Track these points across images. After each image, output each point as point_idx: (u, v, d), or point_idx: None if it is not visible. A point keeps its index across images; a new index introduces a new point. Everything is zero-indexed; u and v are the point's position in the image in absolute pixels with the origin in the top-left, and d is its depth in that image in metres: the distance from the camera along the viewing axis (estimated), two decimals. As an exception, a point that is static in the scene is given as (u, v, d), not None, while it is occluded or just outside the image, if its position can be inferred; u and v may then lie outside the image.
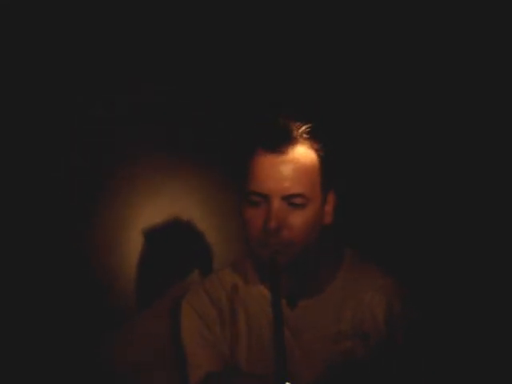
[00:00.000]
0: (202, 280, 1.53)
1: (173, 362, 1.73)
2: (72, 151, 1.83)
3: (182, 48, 1.89)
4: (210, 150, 1.89)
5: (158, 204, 1.89)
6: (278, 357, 1.20)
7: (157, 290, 1.87)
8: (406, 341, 1.37)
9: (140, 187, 1.89)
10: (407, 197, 1.91)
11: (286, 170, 1.26)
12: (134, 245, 1.88)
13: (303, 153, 1.29)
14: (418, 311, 1.40)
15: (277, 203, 1.26)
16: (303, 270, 1.36)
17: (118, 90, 1.84)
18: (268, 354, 1.35)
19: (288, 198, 1.26)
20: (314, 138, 1.31)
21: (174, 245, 1.91)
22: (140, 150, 1.87)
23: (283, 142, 1.27)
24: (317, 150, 1.31)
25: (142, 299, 1.85)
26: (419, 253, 1.86)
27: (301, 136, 1.29)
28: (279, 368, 1.19)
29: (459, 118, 1.90)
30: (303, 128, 1.31)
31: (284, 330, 1.24)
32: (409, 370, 1.37)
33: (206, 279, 1.50)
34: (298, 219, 1.27)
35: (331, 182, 1.34)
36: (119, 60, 1.85)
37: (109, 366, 1.81)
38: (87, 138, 1.84)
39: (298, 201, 1.27)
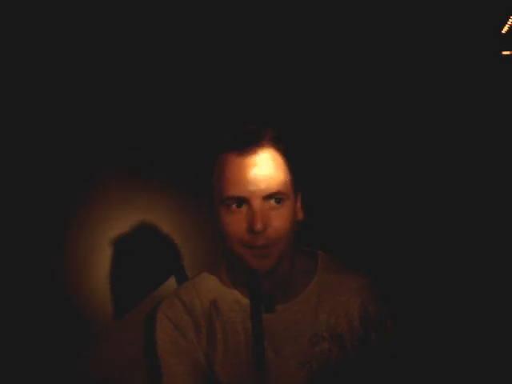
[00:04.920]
0: (177, 288, 1.50)
1: (146, 374, 1.69)
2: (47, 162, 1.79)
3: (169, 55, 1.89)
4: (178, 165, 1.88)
5: (129, 214, 1.86)
6: (258, 367, 1.25)
7: (132, 301, 1.83)
8: (381, 341, 1.41)
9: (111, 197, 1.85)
10: (379, 198, 1.95)
11: (260, 171, 1.29)
12: (105, 256, 1.85)
13: (271, 153, 1.32)
14: (393, 311, 1.45)
15: (258, 204, 1.28)
16: (281, 273, 1.38)
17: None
18: (244, 360, 1.37)
19: (267, 198, 1.29)
20: (278, 139, 1.35)
21: (146, 254, 1.88)
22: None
23: (253, 143, 1.30)
24: (282, 150, 1.35)
25: (117, 311, 1.81)
26: (393, 253, 1.88)
27: (267, 138, 1.33)
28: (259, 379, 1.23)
29: (433, 118, 1.97)
30: (268, 130, 1.35)
31: (264, 340, 1.28)
32: (384, 368, 1.41)
33: (181, 287, 1.49)
34: (279, 218, 1.30)
35: (298, 180, 1.38)
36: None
37: (82, 377, 1.76)
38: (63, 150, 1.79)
39: (276, 200, 1.30)
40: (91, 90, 1.84)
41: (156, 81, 1.91)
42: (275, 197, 1.29)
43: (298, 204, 1.39)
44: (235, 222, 1.29)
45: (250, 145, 1.29)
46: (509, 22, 1.84)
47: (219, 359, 1.40)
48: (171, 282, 1.87)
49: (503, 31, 1.84)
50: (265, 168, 1.28)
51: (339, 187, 1.95)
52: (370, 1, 1.92)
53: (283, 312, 1.40)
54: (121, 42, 1.85)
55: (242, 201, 1.28)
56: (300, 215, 1.40)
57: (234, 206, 1.29)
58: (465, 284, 1.87)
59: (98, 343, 1.80)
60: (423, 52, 1.94)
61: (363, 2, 1.93)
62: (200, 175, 1.40)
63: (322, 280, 1.44)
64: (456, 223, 1.92)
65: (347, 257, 1.54)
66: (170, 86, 1.92)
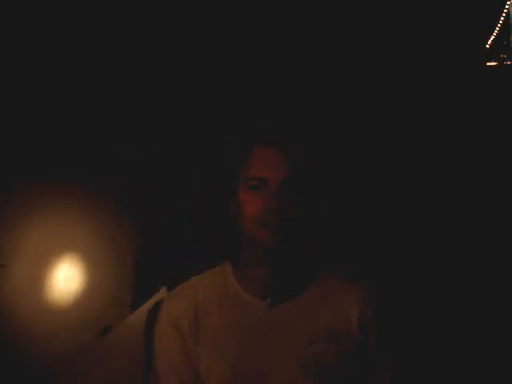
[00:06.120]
0: (183, 284, 1.50)
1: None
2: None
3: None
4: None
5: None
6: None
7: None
8: (378, 345, 1.42)
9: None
10: (377, 202, 1.97)
11: (283, 158, 1.40)
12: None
13: (294, 149, 1.43)
14: (391, 317, 1.47)
15: (277, 186, 1.38)
16: (284, 270, 1.41)
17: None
18: (237, 357, 1.38)
19: (284, 183, 1.38)
20: (297, 139, 1.46)
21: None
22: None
23: (279, 136, 1.43)
24: (296, 152, 1.44)
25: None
26: (391, 259, 1.90)
27: (286, 137, 1.45)
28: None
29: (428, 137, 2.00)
30: (289, 130, 1.47)
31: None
32: (380, 373, 1.42)
33: (186, 283, 1.51)
34: (292, 203, 1.37)
35: (310, 184, 1.46)
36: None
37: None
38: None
39: (292, 185, 1.38)
40: (91, 90, 1.83)
41: (156, 81, 1.90)
42: (291, 182, 1.38)
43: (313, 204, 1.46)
44: (253, 200, 1.37)
45: (276, 137, 1.43)
46: (493, 35, 1.92)
47: (213, 355, 1.40)
48: (163, 291, 1.83)
49: (488, 43, 1.93)
50: (284, 157, 1.39)
51: (339, 191, 1.97)
52: (364, 15, 1.98)
53: (283, 310, 1.41)
54: (121, 43, 1.85)
55: (263, 181, 1.37)
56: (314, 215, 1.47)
57: (254, 185, 1.38)
58: (460, 289, 1.90)
59: (80, 364, 1.74)
60: (413, 63, 2.01)
61: (357, 16, 1.98)
62: (230, 164, 1.48)
63: (324, 282, 1.46)
64: (447, 230, 1.96)
65: (346, 259, 1.56)
66: (170, 87, 1.93)
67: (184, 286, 1.49)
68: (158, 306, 1.49)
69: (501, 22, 1.92)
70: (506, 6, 1.88)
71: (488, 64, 1.91)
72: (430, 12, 1.99)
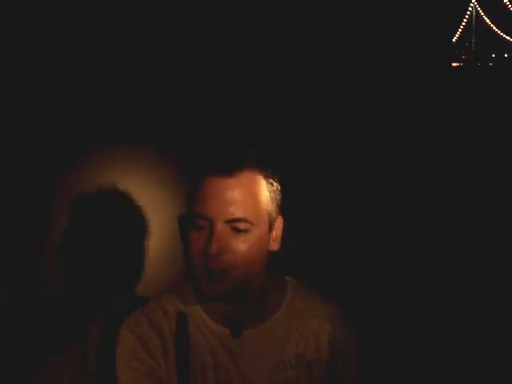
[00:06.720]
0: (142, 307, 1.43)
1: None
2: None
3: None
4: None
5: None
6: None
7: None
8: (348, 369, 1.38)
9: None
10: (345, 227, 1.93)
11: (232, 194, 1.24)
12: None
13: (251, 178, 1.27)
14: (361, 339, 1.42)
15: (220, 227, 1.23)
16: (248, 298, 1.35)
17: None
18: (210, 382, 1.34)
19: (231, 223, 1.23)
20: (262, 163, 1.32)
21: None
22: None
23: (231, 166, 1.26)
24: (265, 176, 1.32)
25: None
26: (360, 278, 1.87)
27: (249, 161, 1.30)
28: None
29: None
30: (252, 153, 1.32)
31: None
32: None
33: (147, 306, 1.41)
34: (240, 244, 1.24)
35: (279, 209, 1.34)
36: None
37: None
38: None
39: (241, 225, 1.25)
40: (92, 94, 1.79)
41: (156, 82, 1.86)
42: (240, 222, 1.24)
43: (276, 234, 1.33)
44: (196, 240, 1.25)
45: (228, 167, 1.26)
46: (457, 35, 1.93)
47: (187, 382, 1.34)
48: (126, 301, 1.78)
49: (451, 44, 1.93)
50: (237, 192, 1.24)
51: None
52: (333, 20, 1.95)
53: (250, 337, 1.33)
54: (123, 45, 1.80)
55: (207, 220, 1.24)
56: (275, 246, 1.33)
57: (199, 224, 1.25)
58: (432, 313, 1.88)
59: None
60: (377, 65, 2.00)
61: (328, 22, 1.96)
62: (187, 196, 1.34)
63: (291, 306, 1.39)
64: (416, 252, 1.94)
65: (317, 281, 1.50)
66: (166, 90, 1.88)
67: (145, 311, 1.39)
68: (119, 329, 1.39)
69: (463, 24, 1.93)
70: (469, 8, 1.89)
71: (453, 65, 1.91)
72: (393, 13, 1.99)
